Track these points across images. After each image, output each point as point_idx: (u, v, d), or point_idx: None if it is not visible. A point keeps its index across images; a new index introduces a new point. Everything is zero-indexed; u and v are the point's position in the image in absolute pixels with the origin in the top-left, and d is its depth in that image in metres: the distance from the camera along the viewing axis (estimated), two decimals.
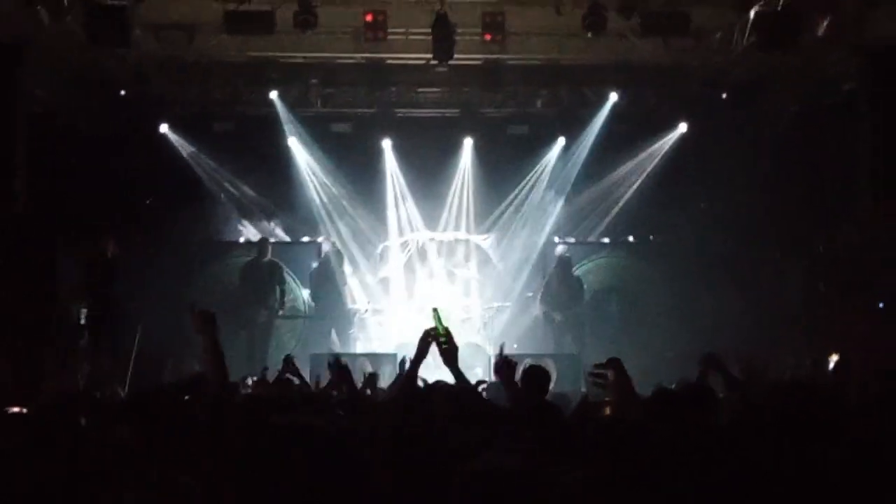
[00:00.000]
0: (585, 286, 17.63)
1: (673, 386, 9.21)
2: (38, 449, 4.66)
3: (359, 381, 9.11)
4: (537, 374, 7.55)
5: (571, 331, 16.76)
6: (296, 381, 9.55)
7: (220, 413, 5.63)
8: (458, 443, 4.32)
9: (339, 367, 8.60)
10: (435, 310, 6.59)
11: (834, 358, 14.11)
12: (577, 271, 17.71)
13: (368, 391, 9.24)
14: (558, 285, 16.95)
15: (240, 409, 5.77)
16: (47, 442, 4.79)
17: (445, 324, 6.38)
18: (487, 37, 15.53)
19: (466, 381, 6.32)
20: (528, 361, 14.94)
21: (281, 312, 17.34)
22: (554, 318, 16.87)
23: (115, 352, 15.16)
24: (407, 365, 8.97)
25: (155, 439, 5.04)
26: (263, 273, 17.04)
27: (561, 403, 7.11)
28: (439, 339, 6.32)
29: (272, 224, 18.93)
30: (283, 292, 17.22)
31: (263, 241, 17.54)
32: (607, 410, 5.35)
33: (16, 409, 7.32)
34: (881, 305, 14.61)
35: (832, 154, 15.80)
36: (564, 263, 17.15)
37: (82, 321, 15.07)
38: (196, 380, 8.38)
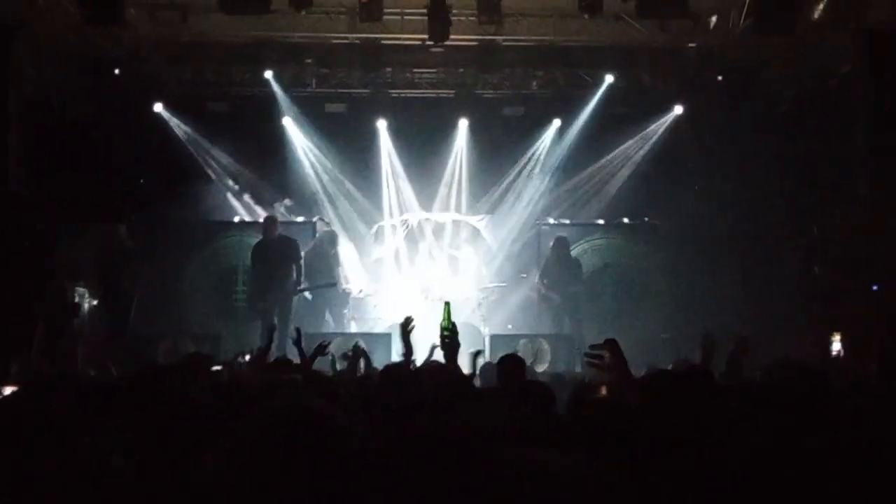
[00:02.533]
0: (584, 267, 17.52)
1: (669, 366, 9.23)
2: (32, 428, 4.64)
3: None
4: (512, 362, 7.52)
5: (569, 312, 16.66)
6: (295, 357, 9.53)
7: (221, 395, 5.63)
8: (443, 422, 4.30)
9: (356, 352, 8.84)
10: (447, 304, 6.66)
11: (837, 338, 14.14)
12: (573, 252, 17.58)
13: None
14: (556, 266, 16.83)
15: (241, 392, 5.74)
16: (41, 421, 4.77)
17: (453, 319, 6.46)
18: (483, 17, 15.49)
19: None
20: (523, 342, 15.10)
21: (300, 287, 16.32)
22: (552, 300, 16.77)
23: (110, 332, 15.22)
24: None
25: (151, 419, 5.04)
26: (273, 252, 16.14)
27: (555, 384, 7.12)
28: (443, 333, 6.40)
29: (267, 204, 18.85)
30: (300, 269, 16.24)
31: (268, 220, 16.77)
32: (603, 391, 5.34)
33: (9, 389, 7.30)
34: (875, 288, 14.64)
35: (829, 136, 15.77)
36: (562, 244, 17.01)
37: (76, 300, 15.08)
38: (190, 360, 8.37)
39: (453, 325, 6.52)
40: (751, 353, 7.92)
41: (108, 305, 15.58)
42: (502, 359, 7.63)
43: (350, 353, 9.22)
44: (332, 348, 9.91)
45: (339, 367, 9.57)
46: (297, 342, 9.37)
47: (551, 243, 17.17)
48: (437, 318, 15.80)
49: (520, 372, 7.30)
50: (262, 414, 2.67)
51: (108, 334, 15.28)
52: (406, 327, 7.05)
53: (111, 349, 14.12)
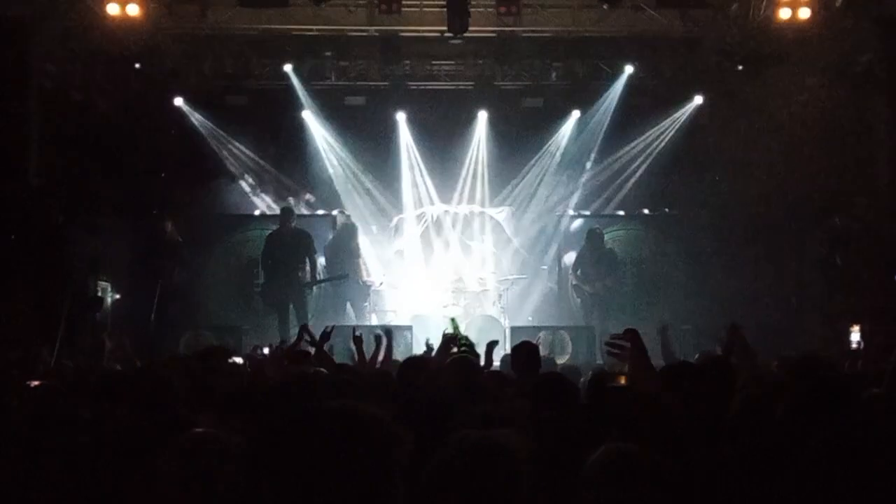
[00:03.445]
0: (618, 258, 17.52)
1: (696, 357, 9.23)
2: (65, 420, 4.70)
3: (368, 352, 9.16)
4: (527, 350, 7.50)
5: (600, 303, 16.65)
6: (311, 349, 9.51)
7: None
8: (465, 415, 4.33)
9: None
10: (453, 319, 6.72)
11: (856, 329, 14.07)
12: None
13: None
14: (590, 258, 16.85)
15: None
16: (73, 413, 4.83)
17: (464, 332, 6.60)
18: (502, 9, 15.47)
19: None
20: (543, 333, 15.09)
21: (309, 281, 16.40)
22: (585, 291, 16.78)
23: (133, 325, 15.31)
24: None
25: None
26: (286, 244, 16.23)
27: (573, 376, 7.12)
28: (459, 346, 6.50)
29: (287, 197, 18.88)
30: (313, 263, 16.38)
31: (285, 210, 16.92)
32: (622, 380, 5.34)
33: (37, 382, 7.36)
34: None
35: (849, 126, 15.69)
36: (596, 236, 17.01)
37: (98, 294, 15.18)
38: (211, 352, 8.40)
39: (466, 337, 6.64)
40: (769, 342, 7.92)
41: (144, 297, 15.77)
42: (515, 347, 7.64)
43: (366, 337, 9.21)
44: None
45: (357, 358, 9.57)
46: (311, 338, 9.40)
47: (586, 234, 17.17)
48: (456, 310, 15.95)
49: (534, 359, 7.30)
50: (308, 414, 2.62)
51: (135, 327, 15.43)
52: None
53: (134, 342, 14.22)
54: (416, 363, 6.66)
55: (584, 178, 19.15)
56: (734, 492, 4.01)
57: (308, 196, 19.08)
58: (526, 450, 3.20)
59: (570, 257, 17.75)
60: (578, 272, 16.96)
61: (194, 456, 3.53)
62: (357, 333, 9.29)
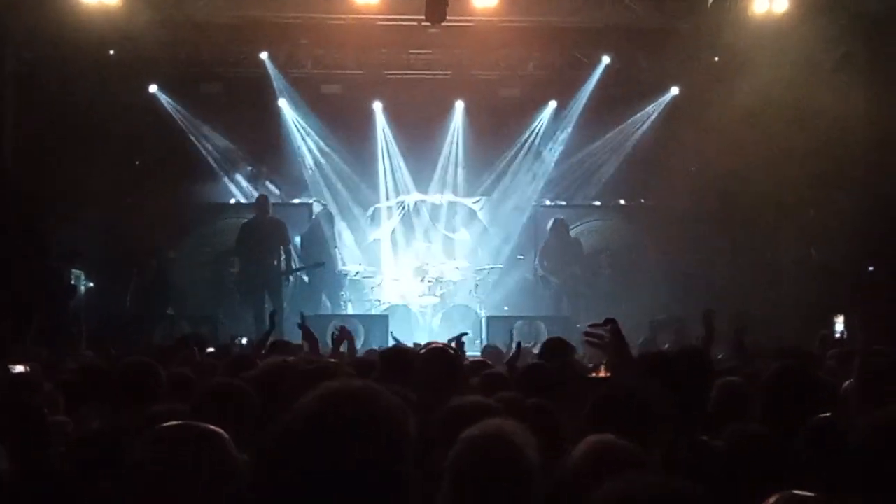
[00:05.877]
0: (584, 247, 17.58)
1: (666, 346, 9.25)
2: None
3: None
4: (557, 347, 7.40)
5: (568, 293, 16.72)
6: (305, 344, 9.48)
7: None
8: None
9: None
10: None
11: (839, 319, 14.15)
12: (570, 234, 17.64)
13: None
14: (556, 248, 16.90)
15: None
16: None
17: (439, 322, 6.78)
18: None
19: None
20: (519, 323, 15.11)
21: (288, 270, 16.49)
22: (551, 281, 16.83)
23: (107, 314, 15.27)
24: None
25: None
26: (262, 233, 16.22)
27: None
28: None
29: (263, 186, 18.78)
30: (288, 252, 16.48)
31: (262, 199, 16.90)
32: (602, 372, 5.32)
33: (20, 368, 7.33)
34: (871, 269, 14.67)
35: (825, 118, 15.74)
36: (561, 226, 17.09)
37: (72, 282, 15.11)
38: (187, 341, 8.39)
39: None
40: (749, 334, 7.97)
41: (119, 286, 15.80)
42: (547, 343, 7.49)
43: (335, 334, 9.21)
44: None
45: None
46: (302, 325, 9.37)
47: (550, 225, 17.21)
48: (432, 300, 15.96)
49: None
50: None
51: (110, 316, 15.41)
52: None
53: (109, 331, 14.18)
54: (395, 354, 6.62)
55: (560, 168, 19.15)
56: (712, 483, 4.03)
57: (278, 184, 18.89)
58: (531, 440, 3.19)
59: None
60: (544, 263, 17.01)
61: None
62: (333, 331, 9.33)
